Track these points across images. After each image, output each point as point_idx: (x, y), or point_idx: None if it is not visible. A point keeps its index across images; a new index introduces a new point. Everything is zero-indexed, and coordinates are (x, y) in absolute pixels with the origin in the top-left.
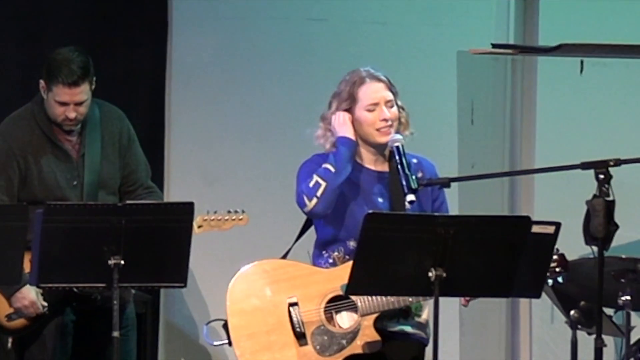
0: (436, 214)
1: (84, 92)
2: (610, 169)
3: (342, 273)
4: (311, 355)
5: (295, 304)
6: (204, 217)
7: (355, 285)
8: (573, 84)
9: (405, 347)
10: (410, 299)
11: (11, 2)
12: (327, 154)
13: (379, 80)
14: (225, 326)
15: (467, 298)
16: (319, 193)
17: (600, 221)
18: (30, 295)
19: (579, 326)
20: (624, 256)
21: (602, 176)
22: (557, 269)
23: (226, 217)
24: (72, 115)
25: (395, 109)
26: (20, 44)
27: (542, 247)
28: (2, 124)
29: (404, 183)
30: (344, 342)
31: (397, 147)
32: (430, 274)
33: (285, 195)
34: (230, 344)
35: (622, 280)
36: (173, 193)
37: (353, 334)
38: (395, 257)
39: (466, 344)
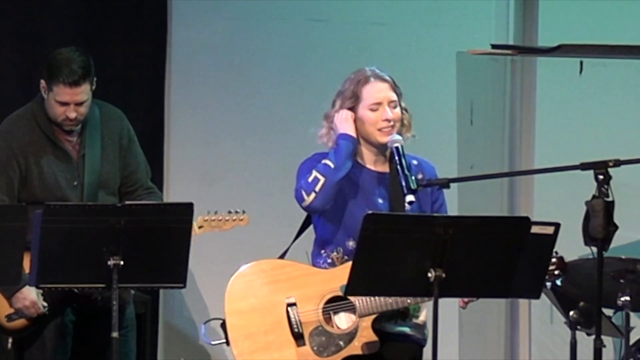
0: (435, 214)
1: (84, 92)
2: (609, 169)
3: (340, 274)
4: (309, 355)
5: (294, 304)
6: (204, 217)
7: (354, 286)
8: (572, 84)
9: (403, 348)
10: (409, 300)
11: (9, 2)
12: (327, 152)
13: (384, 80)
14: (223, 326)
15: (466, 300)
16: (317, 188)
17: (600, 222)
18: (31, 296)
19: (578, 327)
20: (623, 257)
21: (601, 177)
22: (556, 272)
23: (227, 218)
24: (72, 115)
25: (398, 110)
26: (19, 43)
27: (541, 247)
28: (3, 124)
29: (404, 183)
30: (341, 343)
31: (397, 148)
32: (429, 275)
33: (285, 196)
34: (228, 343)
35: (622, 280)
36: (172, 193)
37: (351, 335)
38: (394, 258)
39: (465, 344)
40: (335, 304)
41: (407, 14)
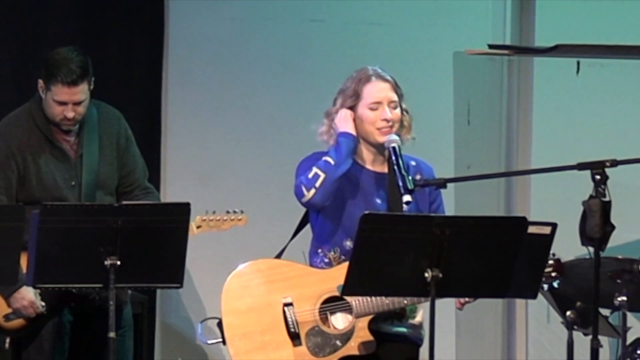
0: (432, 214)
1: (82, 91)
2: (606, 169)
3: (337, 274)
4: (305, 355)
5: (290, 304)
6: (202, 217)
7: (351, 286)
8: (569, 84)
9: (399, 349)
10: (405, 301)
11: (6, 2)
12: (327, 151)
13: (385, 80)
14: (220, 325)
15: (462, 301)
16: (317, 184)
17: (597, 222)
18: (29, 296)
19: (575, 327)
20: (620, 257)
21: (598, 177)
22: (553, 274)
23: (225, 218)
24: (70, 115)
25: (398, 110)
26: (16, 43)
27: (538, 247)
28: (0, 123)
29: (400, 184)
30: (338, 343)
31: (394, 148)
32: (426, 275)
33: (282, 196)
34: (224, 342)
35: (618, 280)
36: (169, 193)
37: (347, 335)
38: (391, 258)
39: (462, 344)
40: (332, 304)
41: (404, 14)
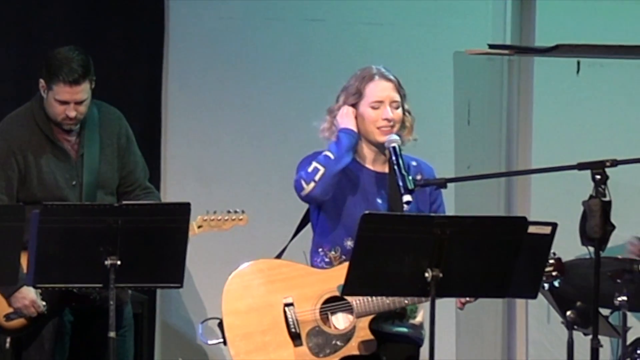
0: (432, 214)
1: (84, 90)
2: (606, 169)
3: (338, 274)
4: (306, 356)
5: (291, 304)
6: (203, 217)
7: (351, 286)
8: (569, 84)
9: (400, 349)
10: (406, 301)
11: (6, 2)
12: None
13: (388, 79)
14: (221, 325)
15: (463, 301)
16: (317, 177)
17: (597, 222)
18: (30, 295)
19: (575, 327)
20: (620, 257)
21: (598, 177)
22: (554, 273)
23: (226, 217)
24: (72, 114)
25: (400, 111)
26: (16, 44)
27: (538, 247)
28: (1, 123)
29: (401, 183)
30: (339, 343)
31: (394, 148)
32: (426, 275)
33: (282, 196)
34: (225, 343)
35: (619, 280)
36: (169, 193)
37: (348, 335)
38: (391, 258)
39: (462, 344)
40: (332, 304)
41: (405, 14)
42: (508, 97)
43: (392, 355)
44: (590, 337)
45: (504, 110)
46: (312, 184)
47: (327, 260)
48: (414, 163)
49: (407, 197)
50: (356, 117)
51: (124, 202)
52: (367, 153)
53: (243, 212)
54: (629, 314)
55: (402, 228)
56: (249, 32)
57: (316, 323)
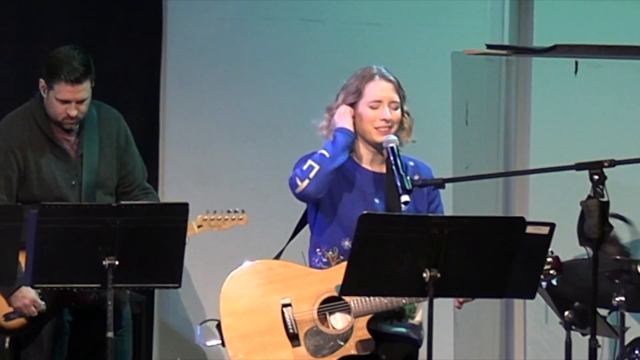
0: (430, 214)
1: (85, 89)
2: (604, 169)
3: (335, 274)
4: (304, 356)
5: (289, 304)
6: (203, 216)
7: (350, 286)
8: (567, 84)
9: (398, 349)
10: (404, 301)
11: (4, 2)
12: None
13: (388, 80)
14: (219, 326)
15: (461, 300)
16: (311, 175)
17: (595, 222)
18: (30, 294)
19: (573, 327)
20: (618, 257)
21: (596, 177)
22: (551, 272)
23: (226, 217)
24: (73, 113)
25: (398, 112)
26: (14, 43)
27: (536, 248)
28: (1, 122)
29: (399, 184)
30: (337, 343)
31: (392, 148)
32: (424, 275)
33: (280, 196)
34: (223, 344)
35: (617, 281)
36: (167, 193)
37: (346, 335)
38: (389, 258)
39: (460, 344)
40: (330, 304)
41: (402, 14)
42: (506, 98)
43: (391, 355)
44: (588, 337)
45: (501, 111)
46: (306, 182)
47: (324, 260)
48: (411, 163)
49: (405, 198)
50: (355, 117)
51: (122, 202)
52: (365, 153)
53: (243, 211)
54: (627, 314)
55: (400, 228)
56: (247, 33)
57: (314, 323)
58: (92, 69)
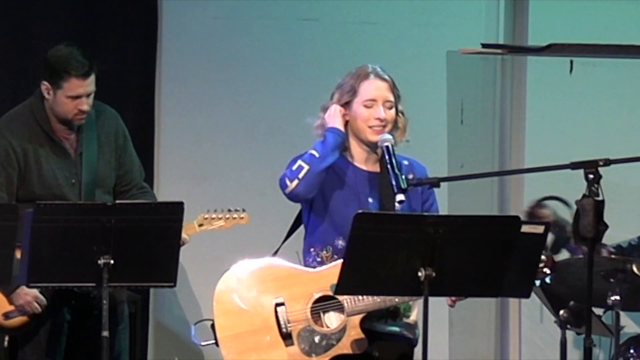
0: (426, 213)
1: (93, 82)
2: (599, 168)
3: (329, 273)
4: (297, 355)
5: (282, 304)
6: (204, 215)
7: (345, 285)
8: (562, 83)
9: (394, 348)
10: (396, 299)
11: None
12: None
13: (383, 79)
14: (213, 326)
15: (454, 298)
16: (300, 175)
17: (590, 221)
18: (32, 291)
19: (569, 326)
20: (613, 256)
21: (591, 176)
22: (545, 270)
23: (227, 216)
24: (86, 107)
25: (393, 111)
26: (7, 43)
27: (531, 247)
28: (1, 120)
29: (394, 183)
30: (330, 342)
31: (387, 147)
32: (419, 274)
33: (276, 195)
34: (217, 344)
35: (612, 280)
36: (163, 193)
37: (339, 334)
38: (384, 257)
39: (455, 343)
40: (323, 303)
41: (398, 14)
42: (501, 97)
43: (386, 354)
44: (583, 336)
45: (497, 110)
46: (295, 182)
47: (318, 259)
48: (405, 162)
49: (400, 197)
50: (349, 115)
51: (117, 201)
52: (359, 152)
53: (244, 210)
54: (622, 313)
55: (395, 227)
56: (241, 32)
57: (307, 322)
58: (93, 61)
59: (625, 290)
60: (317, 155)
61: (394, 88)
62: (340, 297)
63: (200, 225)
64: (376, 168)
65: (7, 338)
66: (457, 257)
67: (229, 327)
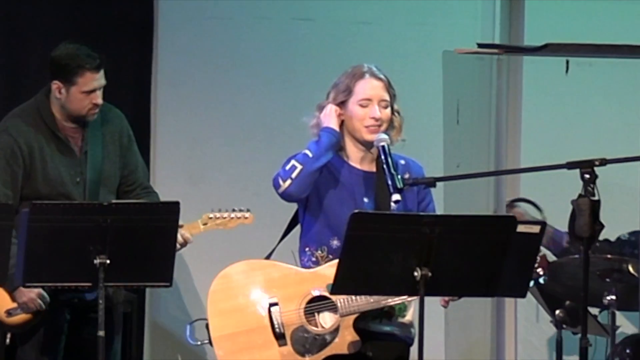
0: (422, 213)
1: (104, 75)
2: (595, 168)
3: (323, 273)
4: (290, 355)
5: (276, 304)
6: (209, 215)
7: (341, 285)
8: (558, 83)
9: (390, 348)
10: (390, 300)
11: None
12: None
13: (378, 78)
14: (208, 326)
15: (447, 299)
16: (293, 175)
17: (586, 221)
18: (36, 289)
19: (564, 326)
20: (609, 256)
21: (587, 176)
22: (538, 270)
23: (231, 216)
24: (100, 100)
25: (388, 110)
26: (3, 44)
27: (527, 246)
28: (7, 118)
29: (390, 182)
30: (323, 342)
31: (383, 147)
32: (415, 274)
33: (271, 195)
34: (211, 343)
35: (607, 279)
36: (159, 192)
37: (332, 335)
38: (380, 257)
39: (451, 343)
40: (317, 303)
41: (393, 13)
42: (497, 96)
43: (380, 354)
44: (579, 336)
45: (493, 110)
46: (288, 182)
47: (314, 259)
48: (402, 162)
49: (396, 196)
50: (344, 115)
51: (113, 201)
52: (355, 152)
53: (248, 210)
54: (617, 312)
55: (390, 227)
56: (238, 32)
57: (301, 323)
58: None
59: (621, 290)
60: (310, 155)
61: (389, 87)
62: (333, 298)
63: (205, 224)
64: (372, 168)
65: (8, 335)
66: (453, 257)
67: (223, 327)
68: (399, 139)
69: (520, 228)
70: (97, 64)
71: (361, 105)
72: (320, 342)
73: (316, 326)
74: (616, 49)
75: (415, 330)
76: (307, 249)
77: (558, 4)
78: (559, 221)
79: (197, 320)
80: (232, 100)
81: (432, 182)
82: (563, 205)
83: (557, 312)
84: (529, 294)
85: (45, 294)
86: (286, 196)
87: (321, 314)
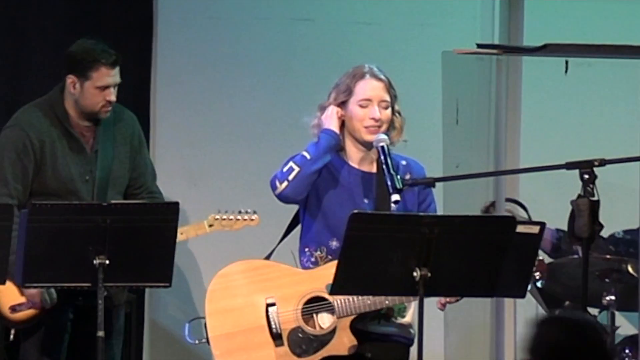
0: (421, 213)
1: (119, 73)
2: (595, 168)
3: (322, 274)
4: (287, 356)
5: (273, 304)
6: (215, 216)
7: (340, 285)
8: (558, 84)
9: (389, 348)
10: (387, 301)
11: None
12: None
13: (379, 79)
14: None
15: (443, 302)
16: (290, 177)
17: (585, 221)
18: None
19: None
20: (608, 256)
21: (586, 176)
22: (536, 274)
23: (237, 217)
24: (113, 97)
25: (389, 111)
26: (4, 44)
27: (526, 247)
28: (19, 112)
29: (389, 183)
30: (320, 343)
31: (382, 147)
32: (415, 274)
33: (271, 196)
34: (209, 343)
35: (607, 280)
36: None
37: (329, 336)
38: (379, 257)
39: (451, 344)
40: (315, 304)
41: (393, 14)
42: (496, 97)
43: (380, 355)
44: None
45: (492, 110)
46: (284, 184)
47: (313, 260)
48: (403, 162)
49: (395, 197)
50: (344, 115)
51: (112, 201)
52: (354, 152)
53: (255, 212)
54: (617, 313)
55: (390, 227)
56: (237, 32)
57: (298, 323)
58: None
59: (620, 290)
60: (308, 157)
61: (390, 88)
62: (330, 298)
63: (211, 225)
64: (371, 168)
65: (13, 331)
66: (452, 257)
67: (220, 326)
68: (400, 139)
69: (520, 228)
70: (112, 60)
71: (361, 106)
72: (317, 343)
73: (314, 327)
74: (616, 49)
75: (415, 331)
76: (306, 249)
77: (557, 4)
78: (559, 221)
79: (195, 318)
80: (231, 100)
81: (431, 183)
82: (562, 205)
83: (557, 312)
84: (528, 295)
85: (53, 290)
86: (283, 198)
87: (319, 315)
